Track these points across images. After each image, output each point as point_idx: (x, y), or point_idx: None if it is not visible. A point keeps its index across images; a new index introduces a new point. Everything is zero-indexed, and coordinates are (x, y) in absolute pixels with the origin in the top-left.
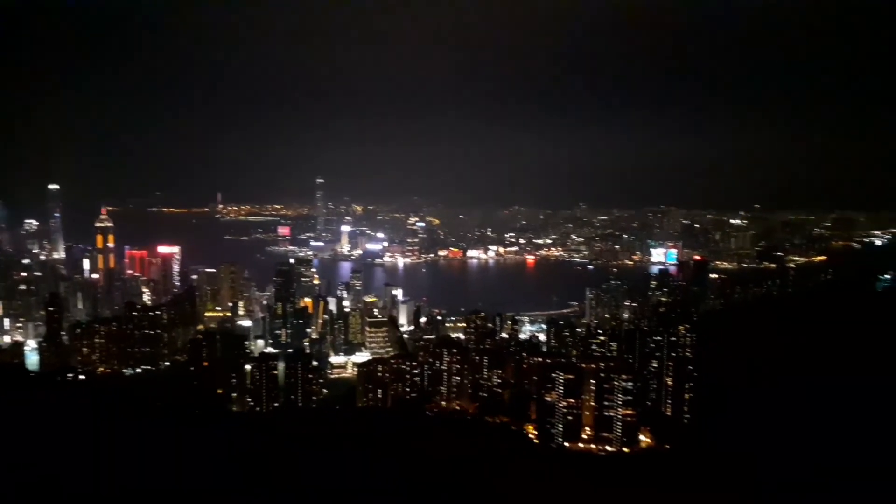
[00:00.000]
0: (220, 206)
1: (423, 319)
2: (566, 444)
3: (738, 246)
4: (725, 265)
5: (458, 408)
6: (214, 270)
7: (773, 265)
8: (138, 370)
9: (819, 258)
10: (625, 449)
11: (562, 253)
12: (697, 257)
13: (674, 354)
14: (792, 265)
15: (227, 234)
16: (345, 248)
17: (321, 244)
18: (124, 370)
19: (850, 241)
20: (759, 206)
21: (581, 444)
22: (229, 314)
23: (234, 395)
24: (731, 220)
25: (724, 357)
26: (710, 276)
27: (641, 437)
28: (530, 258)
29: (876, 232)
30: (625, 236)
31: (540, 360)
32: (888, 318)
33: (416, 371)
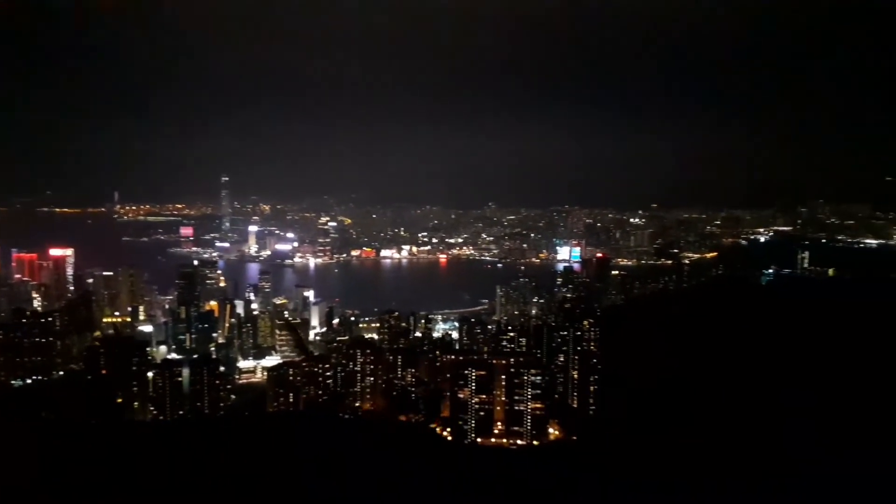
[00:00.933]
0: (118, 206)
1: (335, 321)
2: (479, 439)
3: (637, 243)
4: (626, 262)
5: (371, 408)
6: (112, 274)
7: (670, 261)
8: (28, 381)
9: (710, 254)
10: (534, 442)
11: (473, 252)
12: (600, 255)
13: (579, 348)
14: (686, 261)
15: (125, 235)
16: (252, 248)
17: (227, 245)
18: (12, 381)
19: (737, 238)
20: (656, 205)
21: (493, 439)
22: (129, 319)
23: (135, 403)
24: (631, 219)
25: (625, 349)
26: (612, 272)
27: (550, 430)
28: (443, 257)
29: (760, 230)
30: (532, 235)
31: (453, 357)
32: (770, 308)
33: (328, 373)
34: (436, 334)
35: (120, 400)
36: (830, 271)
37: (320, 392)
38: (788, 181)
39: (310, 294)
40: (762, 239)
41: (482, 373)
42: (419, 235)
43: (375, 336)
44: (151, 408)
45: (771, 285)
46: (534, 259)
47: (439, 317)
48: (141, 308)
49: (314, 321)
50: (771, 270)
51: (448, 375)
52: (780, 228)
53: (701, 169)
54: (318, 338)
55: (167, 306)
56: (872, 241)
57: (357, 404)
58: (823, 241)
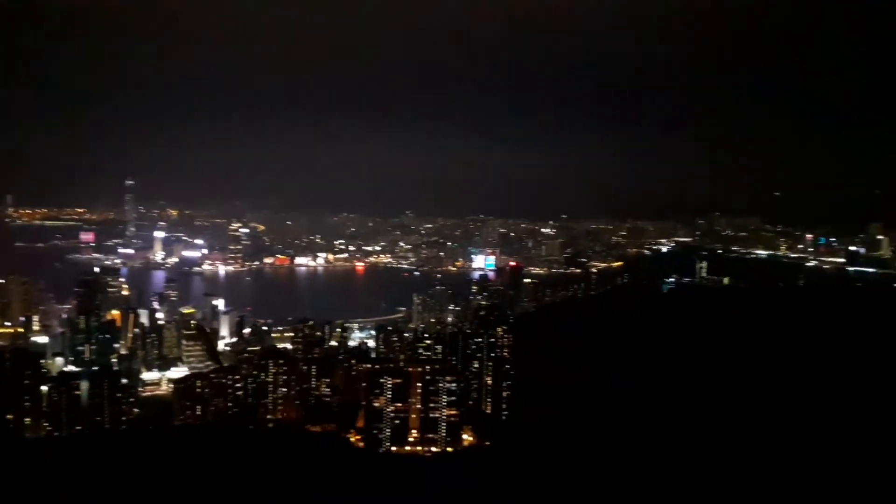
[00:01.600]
0: (11, 210)
1: (246, 330)
2: (393, 448)
3: (549, 252)
4: (538, 270)
5: (284, 419)
6: (3, 281)
7: (578, 270)
8: None
9: (617, 263)
10: (449, 448)
11: (390, 259)
12: (513, 263)
13: (493, 355)
14: (594, 270)
15: (18, 240)
16: (158, 255)
17: (131, 251)
18: None
19: (641, 248)
20: (566, 216)
21: (408, 447)
22: (21, 330)
23: (27, 419)
24: (542, 229)
25: (537, 354)
26: (525, 280)
27: (464, 436)
28: (360, 265)
29: (662, 240)
30: (449, 244)
31: (369, 366)
32: (671, 314)
33: (238, 384)
34: (352, 343)
35: (10, 416)
36: (726, 280)
37: (230, 404)
38: (688, 195)
39: (219, 303)
40: (664, 249)
41: (398, 381)
42: (336, 243)
43: (289, 346)
44: (45, 423)
45: (671, 293)
46: (450, 267)
47: (355, 325)
48: (35, 318)
49: (224, 331)
50: (672, 279)
51: (364, 384)
52: (681, 239)
53: (608, 182)
54: (228, 348)
55: (65, 316)
56: (763, 252)
57: (269, 416)
58: (720, 251)
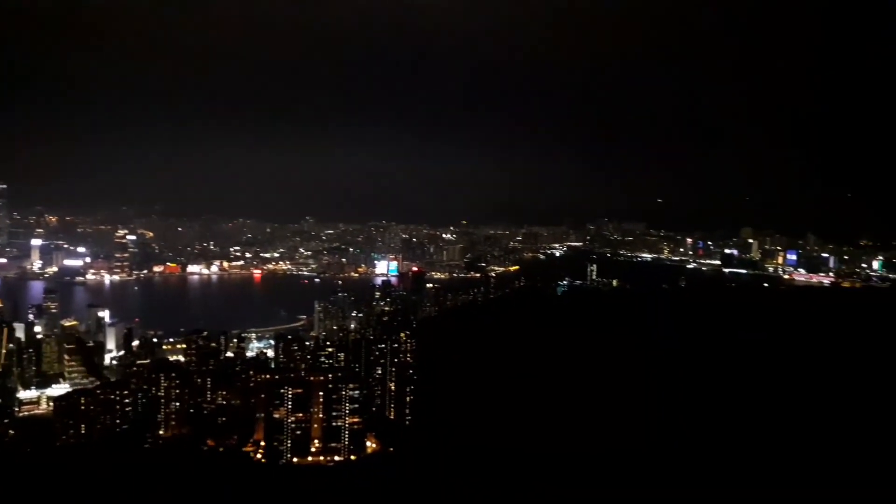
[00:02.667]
0: None
1: (135, 343)
2: (295, 459)
3: (450, 258)
4: (439, 275)
5: (178, 435)
6: None
7: (478, 274)
8: None
9: (514, 268)
10: (352, 457)
11: (290, 266)
12: (415, 268)
13: (396, 360)
14: (493, 274)
15: None
16: (36, 265)
17: (4, 261)
18: None
19: (537, 252)
20: (466, 221)
21: (310, 458)
22: None
23: None
24: (444, 235)
25: (439, 358)
26: (427, 285)
27: (368, 444)
28: (257, 272)
29: (556, 244)
30: (351, 249)
31: (268, 376)
32: (565, 314)
33: (127, 400)
34: (249, 353)
35: None
36: (614, 282)
37: (119, 421)
38: (578, 201)
39: (105, 314)
40: (558, 253)
41: (299, 391)
42: (231, 250)
43: (182, 358)
44: None
45: (564, 295)
46: (353, 273)
47: (253, 335)
48: None
49: (111, 344)
50: (565, 282)
51: (262, 396)
52: (573, 244)
53: (505, 188)
54: (114, 362)
55: None
56: (647, 256)
57: (161, 432)
58: (608, 255)
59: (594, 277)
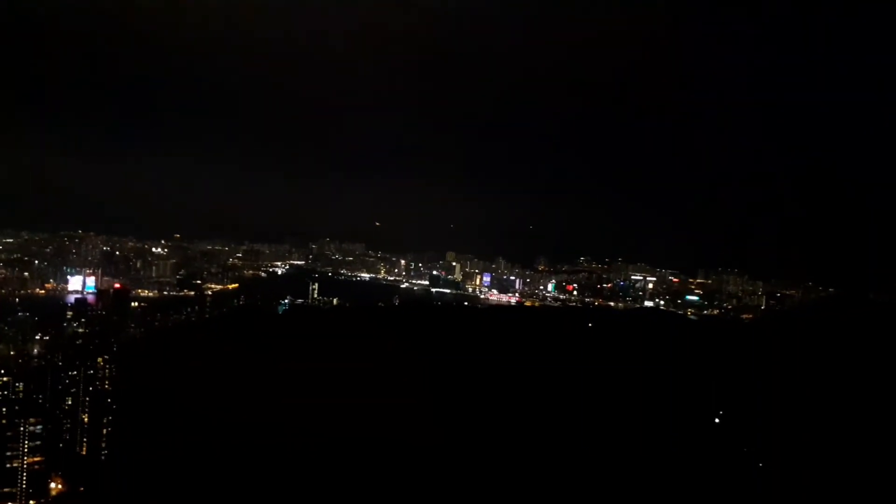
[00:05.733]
0: None
1: None
2: None
3: (160, 274)
4: (147, 293)
5: None
6: None
7: (193, 292)
8: None
9: (233, 285)
10: (32, 501)
11: None
12: (118, 285)
13: (91, 388)
14: (210, 292)
15: None
16: None
17: None
18: None
19: (258, 270)
20: (179, 235)
21: None
22: None
23: None
24: (153, 249)
25: (145, 384)
26: (132, 304)
27: (52, 485)
28: None
29: (278, 263)
30: (36, 262)
31: None
32: (281, 332)
33: None
34: None
35: None
36: (335, 300)
37: None
38: (300, 220)
39: None
40: (280, 271)
41: None
42: None
43: None
44: None
45: (285, 313)
46: (38, 290)
47: None
48: None
49: None
50: (287, 300)
51: None
52: (295, 262)
53: (224, 203)
54: None
55: None
56: (366, 275)
57: None
58: (330, 274)
59: (316, 296)
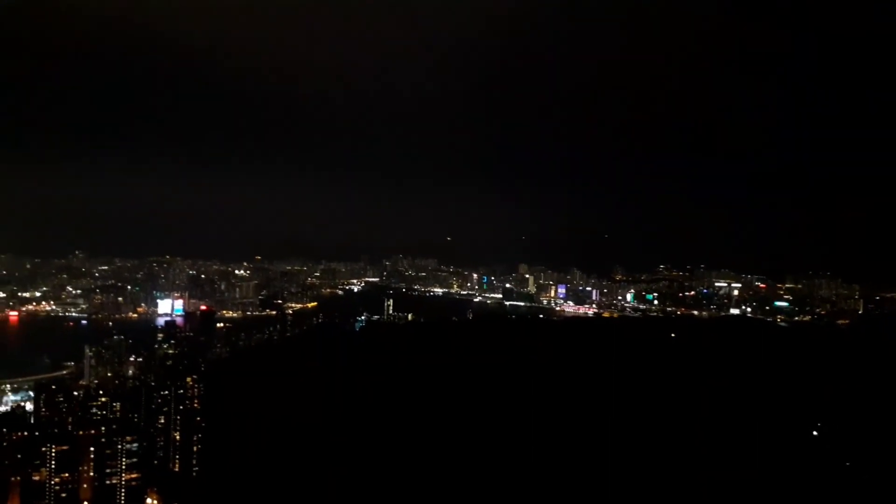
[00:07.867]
0: None
1: None
2: None
3: (243, 295)
4: (231, 314)
5: None
6: None
7: (274, 312)
8: None
9: (312, 304)
10: None
11: (55, 307)
12: (204, 307)
13: (181, 407)
14: (290, 311)
15: None
16: None
17: None
18: None
19: (335, 288)
20: (260, 257)
21: None
22: None
23: None
24: (236, 271)
25: (231, 402)
26: (217, 325)
27: (148, 500)
28: (13, 314)
29: (354, 280)
30: (129, 287)
31: (26, 434)
32: (361, 348)
33: None
34: (3, 408)
35: None
36: (409, 316)
37: None
38: (373, 237)
39: None
40: (356, 289)
41: (63, 448)
42: None
43: None
44: None
45: (362, 329)
46: (131, 314)
47: (7, 386)
48: None
49: None
50: (363, 317)
51: (18, 456)
52: (370, 279)
53: (302, 224)
54: None
55: None
56: (439, 290)
57: None
58: (404, 290)
59: (391, 312)
